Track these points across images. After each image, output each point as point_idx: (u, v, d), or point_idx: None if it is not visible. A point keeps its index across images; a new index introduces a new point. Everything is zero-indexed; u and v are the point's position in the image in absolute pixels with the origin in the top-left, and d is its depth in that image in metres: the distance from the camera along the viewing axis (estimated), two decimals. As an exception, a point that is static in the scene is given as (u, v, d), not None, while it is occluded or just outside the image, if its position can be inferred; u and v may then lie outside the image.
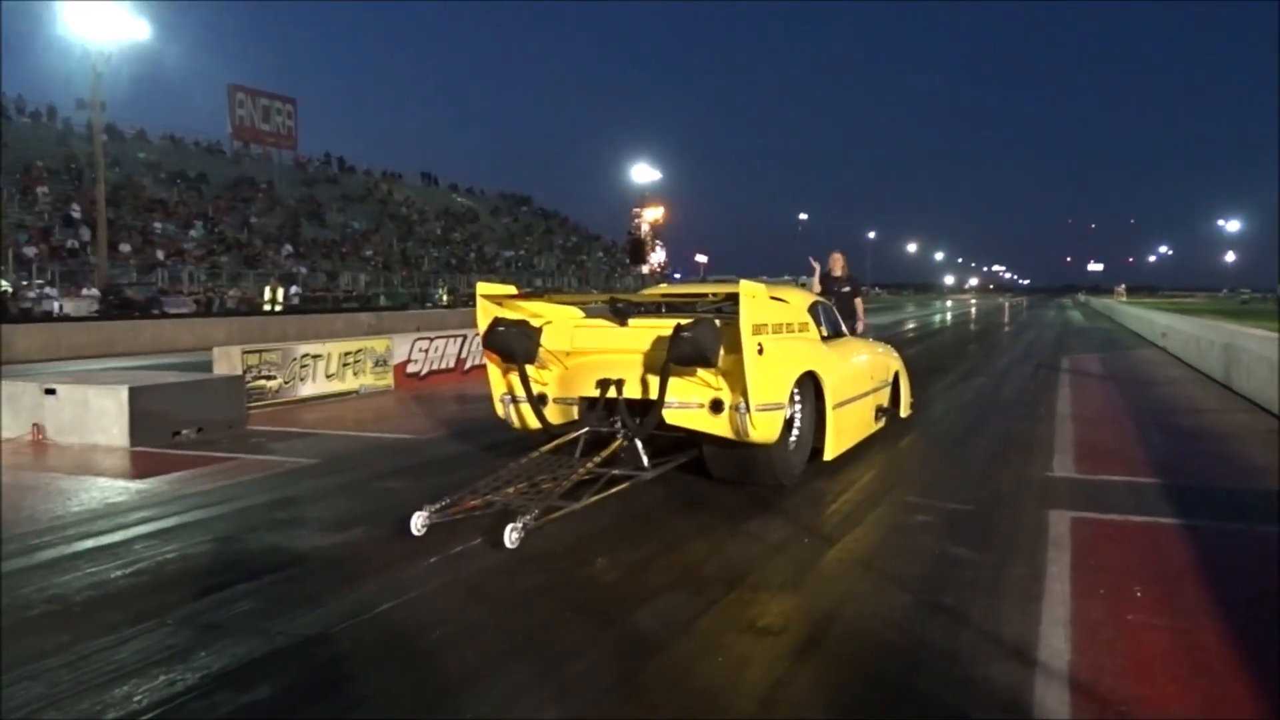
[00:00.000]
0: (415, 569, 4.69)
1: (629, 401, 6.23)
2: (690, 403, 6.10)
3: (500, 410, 6.88)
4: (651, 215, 55.56)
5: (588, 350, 6.69)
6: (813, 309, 7.56)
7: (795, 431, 6.62)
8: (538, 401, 6.57)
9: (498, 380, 6.85)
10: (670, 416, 6.11)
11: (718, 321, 5.96)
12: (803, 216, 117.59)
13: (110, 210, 33.69)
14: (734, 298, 5.87)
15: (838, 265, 10.72)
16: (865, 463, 7.52)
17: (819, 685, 3.45)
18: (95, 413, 8.26)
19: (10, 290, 27.67)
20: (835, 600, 4.36)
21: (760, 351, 5.85)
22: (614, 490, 5.82)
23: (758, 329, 5.88)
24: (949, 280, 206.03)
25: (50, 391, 8.52)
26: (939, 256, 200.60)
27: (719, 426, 6.06)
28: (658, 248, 56.04)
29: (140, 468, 7.42)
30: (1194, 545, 5.25)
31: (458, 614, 4.15)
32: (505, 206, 72.51)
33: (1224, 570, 4.83)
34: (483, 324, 6.55)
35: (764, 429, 5.98)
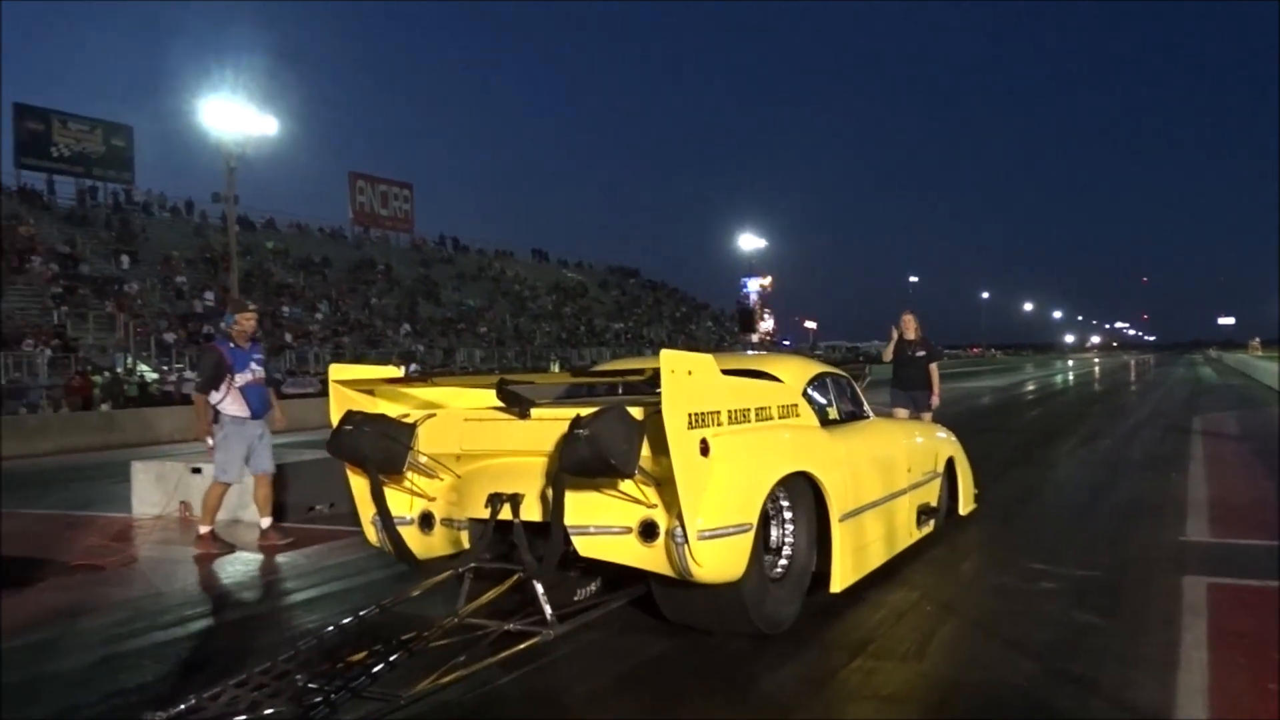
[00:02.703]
0: (546, 643, 4.81)
1: (528, 525, 4.49)
2: (611, 527, 4.37)
3: (372, 536, 5.16)
4: (759, 283, 55.78)
5: (481, 453, 4.90)
6: (817, 383, 5.86)
7: (784, 557, 4.96)
8: (392, 523, 4.93)
9: (364, 496, 5.04)
10: (585, 546, 4.43)
11: (637, 410, 4.23)
12: (913, 279, 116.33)
13: (242, 296, 35.56)
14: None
15: (910, 328, 10.00)
16: (984, 529, 7.42)
17: (946, 753, 3.46)
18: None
19: (156, 376, 29.37)
20: (959, 668, 4.33)
21: (704, 451, 4.20)
22: (481, 665, 4.01)
23: (698, 419, 4.20)
24: (1069, 339, 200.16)
25: (196, 471, 9.04)
26: (1057, 315, 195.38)
27: (654, 560, 4.32)
28: (766, 315, 56.09)
29: (282, 542, 7.79)
30: (1341, 611, 5.03)
31: (587, 679, 4.27)
32: (614, 279, 73.78)
33: (1375, 637, 4.62)
34: (335, 419, 4.95)
35: (714, 564, 4.22)
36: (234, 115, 26.41)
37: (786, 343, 72.65)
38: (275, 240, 49.36)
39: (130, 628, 5.38)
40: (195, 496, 8.99)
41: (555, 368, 45.41)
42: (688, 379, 4.19)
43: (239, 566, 6.93)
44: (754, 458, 4.59)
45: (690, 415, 4.14)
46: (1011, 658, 4.43)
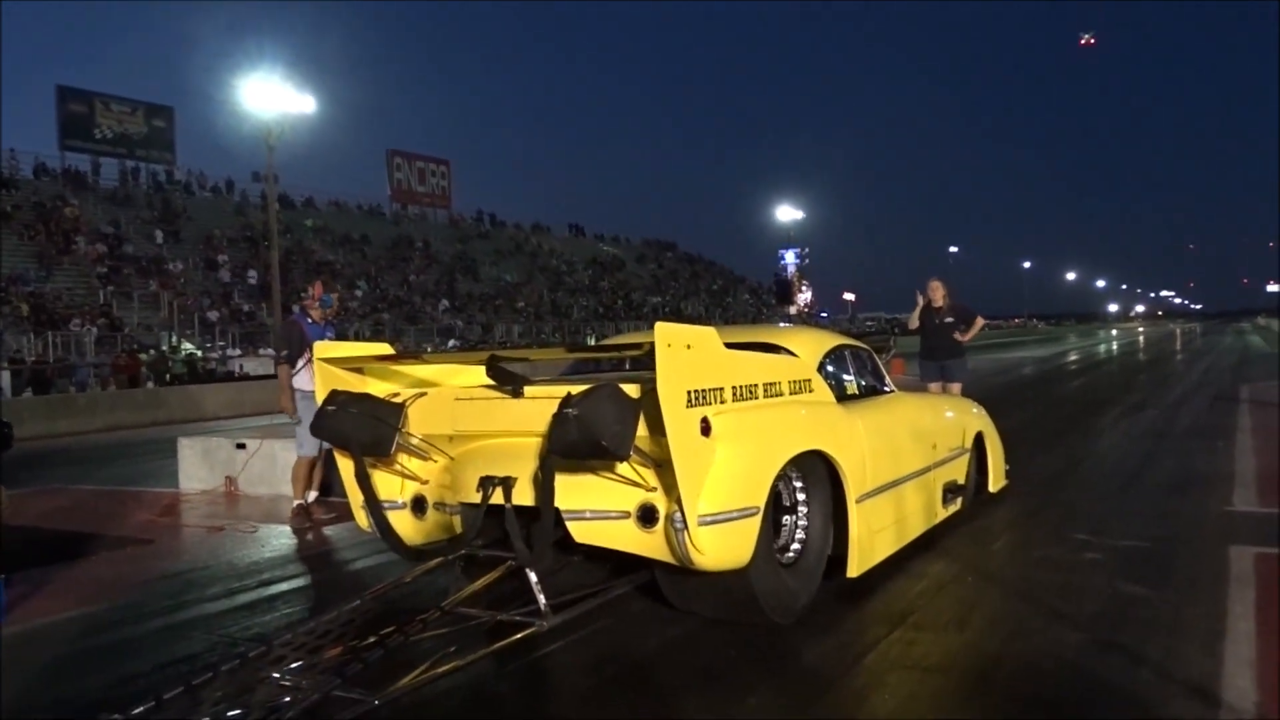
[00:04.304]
0: (589, 608, 4.84)
1: (522, 510, 4.26)
2: (608, 512, 4.15)
3: (363, 522, 4.93)
4: (796, 255, 55.45)
5: (474, 433, 4.66)
6: (833, 357, 5.57)
7: (797, 542, 4.70)
8: (379, 508, 4.74)
9: (351, 480, 4.85)
10: (580, 532, 4.23)
11: (633, 388, 3.99)
12: (952, 249, 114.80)
13: (282, 274, 35.89)
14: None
15: (938, 294, 9.79)
16: (1027, 501, 7.35)
17: (990, 723, 3.45)
18: (282, 465, 8.83)
19: (199, 353, 29.82)
20: (1003, 639, 4.30)
21: (705, 431, 3.98)
22: (475, 657, 3.98)
23: (698, 397, 3.96)
24: (1113, 308, 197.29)
25: (241, 446, 9.19)
26: (1101, 284, 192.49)
27: (654, 547, 4.10)
28: (805, 287, 55.78)
29: (325, 516, 7.89)
30: (1396, 581, 4.94)
31: (622, 654, 4.31)
32: (650, 253, 73.61)
33: None
34: (320, 399, 4.76)
35: (717, 550, 3.97)
36: (273, 94, 26.62)
37: (825, 315, 72.26)
38: (315, 218, 49.76)
39: (179, 599, 5.50)
40: (241, 471, 9.16)
41: (591, 342, 45.39)
42: (686, 353, 3.93)
43: (284, 540, 7.03)
44: (761, 437, 4.33)
45: (689, 392, 3.91)
46: (1056, 628, 4.40)
